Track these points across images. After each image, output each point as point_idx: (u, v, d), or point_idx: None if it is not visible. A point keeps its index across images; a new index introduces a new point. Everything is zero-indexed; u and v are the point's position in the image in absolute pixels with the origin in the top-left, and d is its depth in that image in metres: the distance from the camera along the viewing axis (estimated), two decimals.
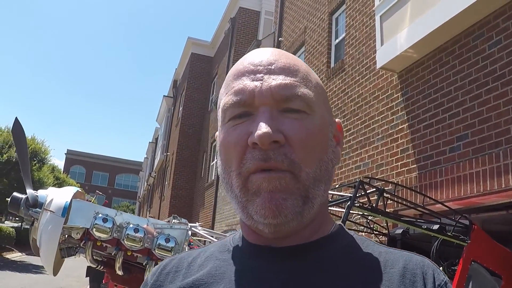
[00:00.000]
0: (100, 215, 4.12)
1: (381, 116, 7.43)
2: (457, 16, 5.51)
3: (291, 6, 13.30)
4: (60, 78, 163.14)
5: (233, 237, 1.04)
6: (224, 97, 0.94)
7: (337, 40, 10.14)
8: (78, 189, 4.39)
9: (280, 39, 13.51)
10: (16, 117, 4.28)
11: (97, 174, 72.52)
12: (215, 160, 19.85)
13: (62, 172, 36.62)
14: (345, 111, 8.72)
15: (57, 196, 4.11)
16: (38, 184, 20.78)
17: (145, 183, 44.92)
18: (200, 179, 22.58)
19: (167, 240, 4.09)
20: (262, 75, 0.91)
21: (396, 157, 6.83)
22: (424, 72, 6.48)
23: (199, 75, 25.64)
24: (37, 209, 4.11)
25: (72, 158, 72.22)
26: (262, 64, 0.92)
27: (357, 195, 4.12)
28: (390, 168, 6.93)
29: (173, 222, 4.31)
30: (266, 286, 0.89)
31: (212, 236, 4.87)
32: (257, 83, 0.90)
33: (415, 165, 6.35)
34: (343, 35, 9.59)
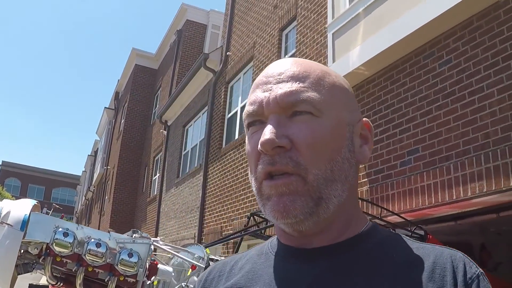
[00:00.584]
0: (60, 229, 3.95)
1: None
2: (409, 36, 5.74)
3: (240, 21, 13.42)
4: None
5: (272, 240, 1.09)
6: (246, 107, 1.01)
7: (286, 56, 10.29)
8: (35, 202, 4.26)
9: (228, 53, 13.58)
10: None
11: (32, 187, 70.26)
12: (157, 175, 19.72)
13: None
14: None
15: (15, 209, 3.94)
16: None
17: (83, 198, 43.91)
18: (142, 194, 22.24)
19: (130, 255, 4.00)
20: (271, 85, 0.97)
21: None
22: (375, 89, 6.68)
23: (142, 87, 25.37)
24: None
25: (7, 170, 69.77)
26: (273, 75, 0.98)
27: None
28: None
29: (135, 237, 4.25)
30: (295, 286, 0.94)
31: (178, 252, 4.84)
32: (266, 94, 0.96)
33: (366, 179, 6.52)
34: (293, 51, 9.75)
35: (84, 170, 49.88)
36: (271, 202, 0.92)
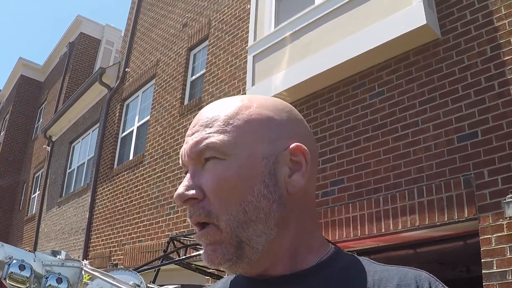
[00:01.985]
0: None
1: None
2: (340, 65, 5.72)
3: (143, 37, 13.00)
4: None
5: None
6: None
7: (194, 77, 10.05)
8: None
9: (126, 69, 13.11)
10: None
11: None
12: (37, 192, 18.63)
13: None
14: None
15: None
16: None
17: None
18: (19, 212, 20.78)
19: (59, 280, 3.53)
20: (189, 137, 0.96)
21: None
22: None
23: (26, 99, 23.89)
24: None
25: None
26: (192, 125, 0.98)
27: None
28: None
29: (61, 259, 3.78)
30: None
31: (111, 279, 4.39)
32: (185, 146, 0.96)
33: None
34: (202, 71, 9.53)
35: None
36: (202, 249, 0.94)
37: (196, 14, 10.43)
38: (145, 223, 9.65)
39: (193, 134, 0.95)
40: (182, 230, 8.07)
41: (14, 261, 3.49)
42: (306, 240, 0.98)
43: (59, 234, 14.67)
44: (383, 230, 5.02)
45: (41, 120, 21.86)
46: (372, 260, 0.99)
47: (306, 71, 6.11)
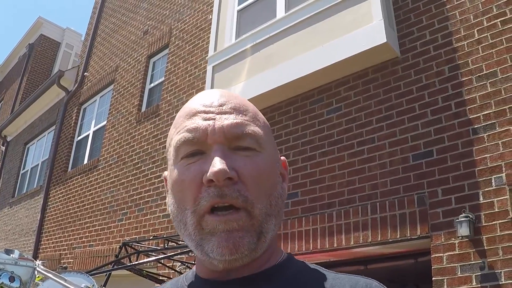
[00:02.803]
0: None
1: None
2: (299, 79, 5.74)
3: (103, 42, 12.86)
4: None
5: (186, 274, 1.07)
6: (176, 136, 0.96)
7: (152, 84, 9.96)
8: None
9: (85, 73, 12.94)
10: None
11: None
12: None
13: None
14: (156, 157, 8.49)
15: None
16: None
17: None
18: None
19: (12, 279, 3.46)
20: (214, 115, 0.93)
21: None
22: None
23: None
24: None
25: None
26: (213, 105, 0.95)
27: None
28: None
29: (14, 257, 3.67)
30: None
31: (62, 280, 4.27)
32: (210, 122, 0.92)
33: None
34: (161, 79, 9.45)
35: None
36: (216, 237, 0.88)
37: (157, 22, 10.39)
38: (96, 227, 9.51)
39: (222, 113, 0.94)
40: (133, 237, 7.99)
41: None
42: (274, 244, 1.01)
43: (10, 234, 14.47)
44: (335, 245, 5.03)
45: None
46: (323, 268, 1.00)
47: (265, 84, 6.10)
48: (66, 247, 10.56)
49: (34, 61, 19.44)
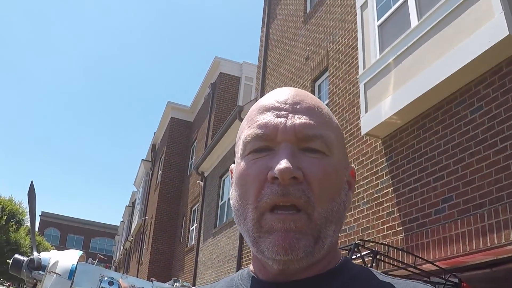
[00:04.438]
0: (106, 278, 4.13)
1: (366, 181, 7.62)
2: (439, 84, 5.82)
3: (273, 73, 13.68)
4: (37, 141, 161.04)
5: (242, 273, 1.06)
6: (246, 130, 0.97)
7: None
8: (81, 252, 4.44)
9: None
10: (31, 181, 4.37)
11: (71, 237, 71.24)
12: (195, 225, 19.82)
13: (37, 234, 35.97)
14: None
15: (62, 259, 4.14)
16: (15, 246, 20.48)
17: (121, 247, 44.25)
18: (180, 244, 22.38)
19: None
20: (287, 112, 0.94)
21: (382, 220, 6.98)
22: (408, 138, 6.73)
23: (178, 139, 25.84)
24: (40, 271, 4.14)
25: (47, 220, 70.85)
26: (287, 102, 0.96)
27: (353, 257, 4.30)
28: (376, 231, 7.06)
29: (176, 286, 4.33)
30: None
31: None
32: (282, 120, 0.93)
33: (401, 228, 6.52)
34: (326, 101, 9.87)
35: (122, 220, 50.41)
36: (273, 236, 0.88)
37: (315, 47, 10.87)
38: None
39: (295, 112, 0.95)
40: None
41: (105, 278, 4.11)
42: (333, 251, 1.01)
43: (215, 262, 15.57)
44: (488, 244, 5.02)
45: (193, 157, 23.32)
46: (379, 272, 1.00)
47: (411, 94, 6.24)
48: None
49: (219, 98, 20.79)
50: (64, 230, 71.49)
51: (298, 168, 0.88)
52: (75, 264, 4.08)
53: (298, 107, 0.95)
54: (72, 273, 4.02)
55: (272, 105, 0.96)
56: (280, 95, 0.98)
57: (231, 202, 0.99)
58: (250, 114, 1.00)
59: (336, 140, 0.96)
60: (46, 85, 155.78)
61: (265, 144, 0.93)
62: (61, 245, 64.56)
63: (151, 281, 4.34)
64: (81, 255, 4.35)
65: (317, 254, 0.90)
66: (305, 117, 0.93)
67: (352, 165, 1.08)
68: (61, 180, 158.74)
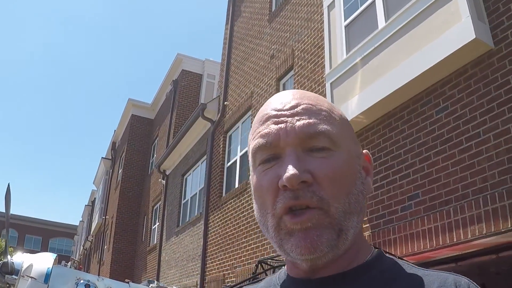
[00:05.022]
0: (82, 281, 4.09)
1: None
2: (406, 85, 5.94)
3: (237, 71, 13.69)
4: None
5: (280, 272, 1.09)
6: (252, 141, 0.99)
7: None
8: (55, 255, 4.39)
9: (225, 103, 13.78)
10: (8, 183, 4.31)
11: (29, 238, 69.62)
12: (157, 224, 19.71)
13: None
14: None
15: (37, 262, 4.09)
16: None
17: (81, 247, 43.62)
18: (142, 243, 22.18)
19: None
20: (286, 118, 0.96)
21: None
22: (374, 136, 6.85)
23: (139, 137, 25.59)
24: (14, 275, 4.07)
25: (4, 220, 69.20)
26: (285, 108, 0.97)
27: None
28: None
29: (151, 287, 4.33)
30: None
31: None
32: (282, 125, 0.95)
33: (367, 225, 6.62)
34: None
35: (81, 219, 49.61)
36: (294, 238, 0.91)
37: (280, 45, 10.94)
38: (252, 246, 10.15)
39: (294, 115, 0.96)
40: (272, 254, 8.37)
41: (82, 281, 4.09)
42: (363, 240, 1.04)
43: (179, 261, 15.50)
44: (454, 240, 5.16)
45: (155, 155, 23.15)
46: (412, 264, 1.01)
47: (378, 93, 6.34)
48: (228, 267, 11.28)
49: (180, 95, 20.76)
50: (22, 231, 69.85)
51: (305, 171, 0.90)
52: (51, 267, 4.04)
53: (296, 110, 0.97)
54: (48, 276, 3.98)
55: (271, 114, 0.98)
56: (277, 102, 1.00)
57: (255, 214, 1.02)
58: (253, 127, 1.02)
59: (341, 132, 0.98)
60: (1, 80, 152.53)
61: (271, 153, 0.95)
62: (19, 246, 63.19)
63: (127, 283, 4.33)
64: (55, 258, 4.31)
65: (341, 246, 0.93)
66: (304, 117, 0.95)
67: (365, 150, 1.08)
68: (18, 180, 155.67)
